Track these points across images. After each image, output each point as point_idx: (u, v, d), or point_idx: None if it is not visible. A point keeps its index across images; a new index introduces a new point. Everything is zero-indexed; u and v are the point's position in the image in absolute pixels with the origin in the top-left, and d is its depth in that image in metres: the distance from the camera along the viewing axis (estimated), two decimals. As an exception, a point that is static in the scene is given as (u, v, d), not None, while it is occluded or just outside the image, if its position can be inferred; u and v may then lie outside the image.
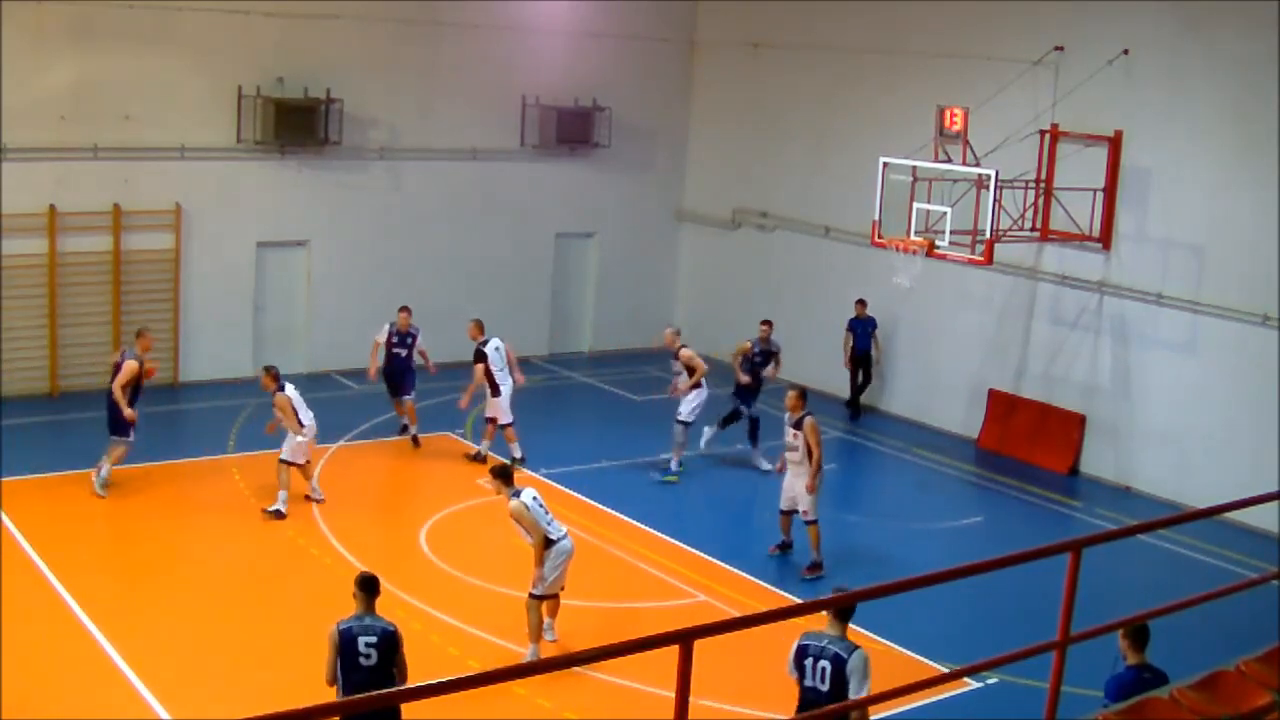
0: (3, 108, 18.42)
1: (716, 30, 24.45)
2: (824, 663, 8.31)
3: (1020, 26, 19.28)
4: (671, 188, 25.26)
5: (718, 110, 24.66)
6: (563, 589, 12.27)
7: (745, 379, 18.04)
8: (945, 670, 11.12)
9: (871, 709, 9.01)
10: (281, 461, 15.27)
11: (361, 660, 8.74)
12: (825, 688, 8.27)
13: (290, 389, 15.37)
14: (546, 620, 12.28)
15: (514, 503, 11.81)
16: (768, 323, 18.55)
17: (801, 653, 8.45)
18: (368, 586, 8.97)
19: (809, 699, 8.38)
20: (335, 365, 21.71)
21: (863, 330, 20.98)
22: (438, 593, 13.38)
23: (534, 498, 11.99)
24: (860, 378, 21.22)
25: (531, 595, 12.03)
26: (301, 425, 15.30)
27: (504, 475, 12.06)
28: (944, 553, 15.50)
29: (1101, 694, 8.19)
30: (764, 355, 18.28)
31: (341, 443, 17.95)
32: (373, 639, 8.77)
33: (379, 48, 21.53)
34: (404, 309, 18.21)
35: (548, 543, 11.89)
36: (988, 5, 19.83)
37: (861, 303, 20.93)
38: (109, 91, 19.29)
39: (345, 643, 8.77)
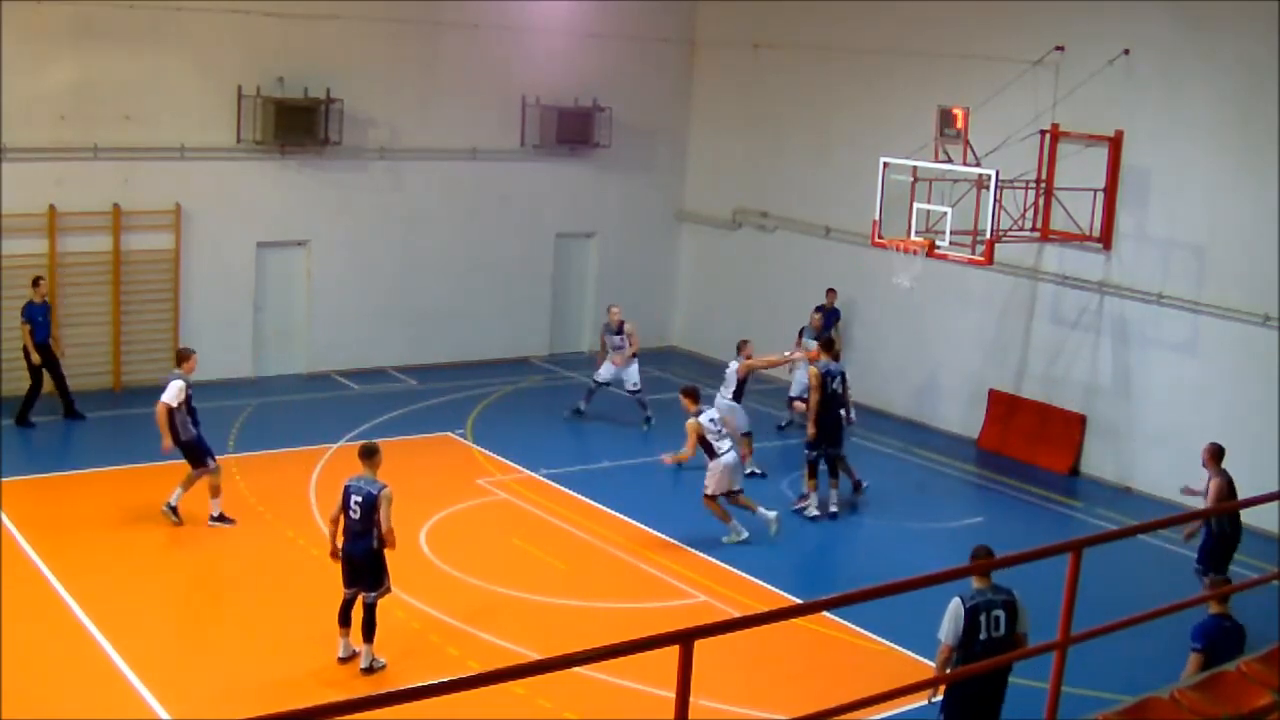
0: (3, 108, 18.42)
1: (716, 30, 24.43)
2: (997, 611, 9.23)
3: (1020, 26, 19.27)
4: (671, 188, 25.26)
5: (718, 110, 24.65)
6: (741, 490, 15.12)
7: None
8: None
9: (872, 709, 9.02)
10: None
11: (350, 512, 11.24)
12: (1001, 633, 9.24)
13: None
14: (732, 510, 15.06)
15: (692, 420, 14.78)
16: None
17: (974, 613, 9.18)
18: (366, 453, 11.43)
19: (986, 650, 9.11)
20: (335, 365, 21.72)
21: (826, 322, 20.94)
22: (438, 593, 13.37)
23: (711, 419, 14.98)
24: None
25: (706, 496, 15.03)
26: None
27: (692, 394, 15.06)
28: (944, 553, 15.48)
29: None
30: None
31: (341, 443, 17.94)
32: (360, 498, 11.20)
33: (379, 48, 21.52)
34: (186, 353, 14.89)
35: (712, 454, 14.75)
36: (988, 5, 19.82)
37: (832, 292, 21.00)
38: (109, 91, 19.28)
39: (345, 495, 11.31)
